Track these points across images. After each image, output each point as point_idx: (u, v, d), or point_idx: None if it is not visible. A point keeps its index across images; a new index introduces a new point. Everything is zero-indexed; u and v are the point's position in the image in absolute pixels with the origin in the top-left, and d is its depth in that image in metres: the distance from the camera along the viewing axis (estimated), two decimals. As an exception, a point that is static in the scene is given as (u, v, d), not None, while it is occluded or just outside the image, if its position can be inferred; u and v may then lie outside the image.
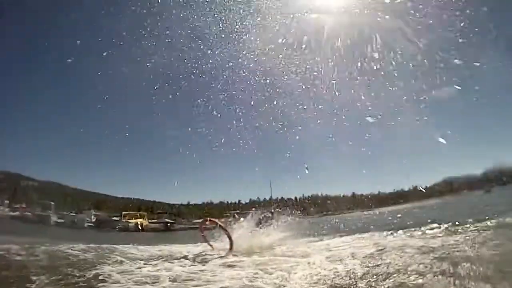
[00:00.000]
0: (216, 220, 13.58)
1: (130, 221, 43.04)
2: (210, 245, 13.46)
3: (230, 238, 12.21)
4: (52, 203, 43.70)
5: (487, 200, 32.15)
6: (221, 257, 11.14)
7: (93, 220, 42.83)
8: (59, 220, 38.42)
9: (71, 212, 45.40)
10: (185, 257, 11.65)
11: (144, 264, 10.49)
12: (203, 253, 12.27)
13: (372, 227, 18.01)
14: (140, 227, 41.28)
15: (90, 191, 72.27)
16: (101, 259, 11.20)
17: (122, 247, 14.82)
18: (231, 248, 11.86)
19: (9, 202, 57.02)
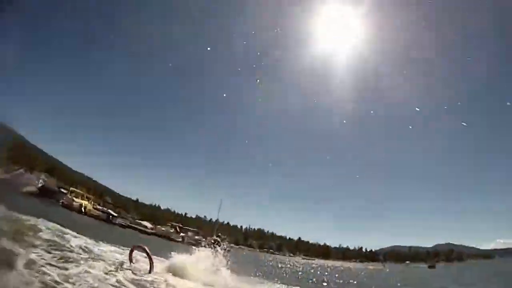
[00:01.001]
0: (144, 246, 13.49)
1: (75, 199, 41.75)
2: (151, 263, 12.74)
3: (151, 259, 12.54)
4: None
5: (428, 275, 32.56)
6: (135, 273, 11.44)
7: (39, 185, 40.54)
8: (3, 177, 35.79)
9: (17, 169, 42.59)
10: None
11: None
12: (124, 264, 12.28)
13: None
14: (83, 210, 40.22)
15: (45, 151, 69.36)
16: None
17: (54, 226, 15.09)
18: (151, 269, 12.22)
19: None
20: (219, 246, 17.01)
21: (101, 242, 16.62)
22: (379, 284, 23.21)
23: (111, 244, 16.99)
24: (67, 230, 15.94)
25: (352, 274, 39.16)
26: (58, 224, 16.60)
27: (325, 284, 20.86)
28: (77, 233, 16.23)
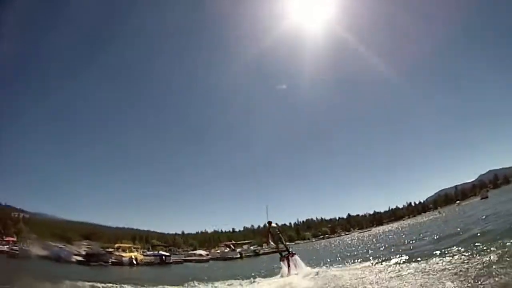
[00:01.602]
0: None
1: (123, 254, 41.00)
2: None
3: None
4: (38, 237, 41.72)
5: (484, 209, 29.89)
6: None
7: (83, 253, 40.16)
8: (43, 254, 35.52)
9: (59, 245, 42.31)
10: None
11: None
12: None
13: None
14: (135, 262, 39.23)
15: (81, 221, 71.13)
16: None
17: None
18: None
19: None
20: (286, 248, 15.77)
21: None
22: (458, 225, 20.64)
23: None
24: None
25: (422, 227, 36.30)
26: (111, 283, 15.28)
27: (413, 242, 18.57)
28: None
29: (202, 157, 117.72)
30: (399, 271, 9.91)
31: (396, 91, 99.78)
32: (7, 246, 41.07)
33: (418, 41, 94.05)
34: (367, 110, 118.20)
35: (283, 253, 15.24)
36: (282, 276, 14.21)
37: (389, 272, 10.24)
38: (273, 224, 15.83)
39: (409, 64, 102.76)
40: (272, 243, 16.26)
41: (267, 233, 15.94)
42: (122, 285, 14.93)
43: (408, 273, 9.20)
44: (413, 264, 10.56)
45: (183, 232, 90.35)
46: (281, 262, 15.02)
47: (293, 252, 15.39)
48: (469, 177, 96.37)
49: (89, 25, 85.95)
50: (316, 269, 14.43)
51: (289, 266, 14.33)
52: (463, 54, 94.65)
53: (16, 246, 39.99)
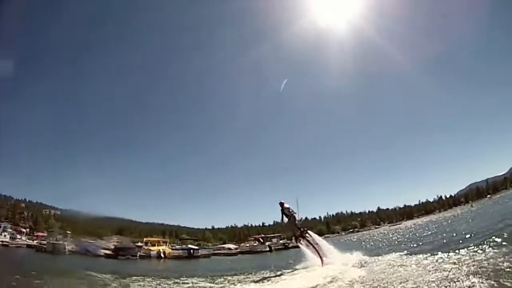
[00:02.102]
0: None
1: (152, 248, 40.83)
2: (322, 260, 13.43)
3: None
4: (69, 232, 43.05)
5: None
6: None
7: (111, 247, 40.67)
8: (73, 249, 36.56)
9: (87, 240, 43.76)
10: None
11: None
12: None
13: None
14: (162, 255, 38.61)
15: (112, 217, 73.33)
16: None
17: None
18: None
19: (29, 230, 57.75)
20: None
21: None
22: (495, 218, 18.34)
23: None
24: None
25: (458, 219, 33.62)
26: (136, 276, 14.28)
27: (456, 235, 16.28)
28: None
29: (234, 154, 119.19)
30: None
31: (425, 86, 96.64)
32: (37, 241, 42.55)
33: (441, 38, 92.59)
34: (395, 104, 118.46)
35: (297, 233, 15.57)
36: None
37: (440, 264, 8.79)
38: (286, 205, 15.41)
39: (436, 61, 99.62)
40: (287, 222, 15.72)
41: (282, 213, 15.39)
42: (144, 277, 13.62)
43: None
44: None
45: (213, 227, 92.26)
46: (300, 245, 15.50)
47: (305, 229, 15.73)
48: (500, 170, 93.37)
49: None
50: (355, 256, 14.01)
51: (316, 250, 14.33)
52: (491, 51, 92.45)
53: (44, 241, 40.58)
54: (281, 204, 15.32)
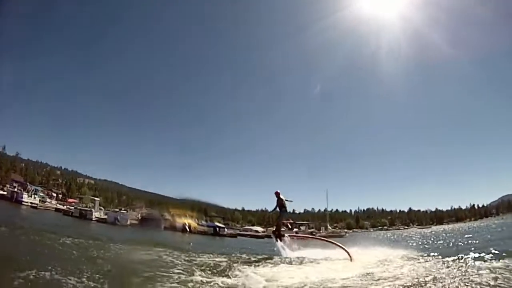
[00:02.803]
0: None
1: (178, 220, 40.43)
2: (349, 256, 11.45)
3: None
4: (97, 199, 43.98)
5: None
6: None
7: (138, 217, 41.66)
8: (101, 216, 37.46)
9: (117, 209, 45.33)
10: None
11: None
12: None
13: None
14: (188, 228, 38.12)
15: (146, 191, 75.55)
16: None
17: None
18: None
19: (62, 196, 60.06)
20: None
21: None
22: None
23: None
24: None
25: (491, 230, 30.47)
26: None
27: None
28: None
29: (275, 140, 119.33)
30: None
31: (470, 87, 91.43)
32: (66, 206, 44.19)
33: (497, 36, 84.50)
34: (440, 104, 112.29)
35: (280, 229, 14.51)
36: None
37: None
38: (281, 196, 14.07)
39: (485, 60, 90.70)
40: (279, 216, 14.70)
41: (276, 204, 14.19)
42: (164, 248, 12.10)
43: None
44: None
45: (243, 208, 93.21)
46: (277, 242, 14.06)
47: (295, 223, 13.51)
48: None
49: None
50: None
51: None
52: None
53: (72, 206, 41.66)
54: (277, 194, 14.10)
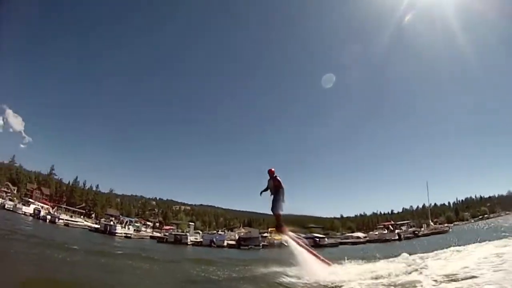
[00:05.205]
0: None
1: (276, 237, 38.53)
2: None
3: None
4: (192, 224, 44.14)
5: None
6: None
7: (236, 237, 41.93)
8: (197, 240, 37.82)
9: (214, 231, 46.11)
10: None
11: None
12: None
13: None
14: (285, 243, 35.30)
15: (243, 210, 75.98)
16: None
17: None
18: None
19: (159, 225, 62.26)
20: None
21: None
22: None
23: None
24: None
25: None
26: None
27: None
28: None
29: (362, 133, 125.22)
30: None
31: None
32: (162, 233, 45.24)
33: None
34: None
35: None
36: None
37: None
38: (277, 177, 10.30)
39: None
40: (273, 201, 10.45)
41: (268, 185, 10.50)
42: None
43: None
44: None
45: (341, 216, 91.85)
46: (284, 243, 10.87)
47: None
48: None
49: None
50: None
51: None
52: None
53: (167, 233, 42.49)
54: (271, 172, 10.41)
